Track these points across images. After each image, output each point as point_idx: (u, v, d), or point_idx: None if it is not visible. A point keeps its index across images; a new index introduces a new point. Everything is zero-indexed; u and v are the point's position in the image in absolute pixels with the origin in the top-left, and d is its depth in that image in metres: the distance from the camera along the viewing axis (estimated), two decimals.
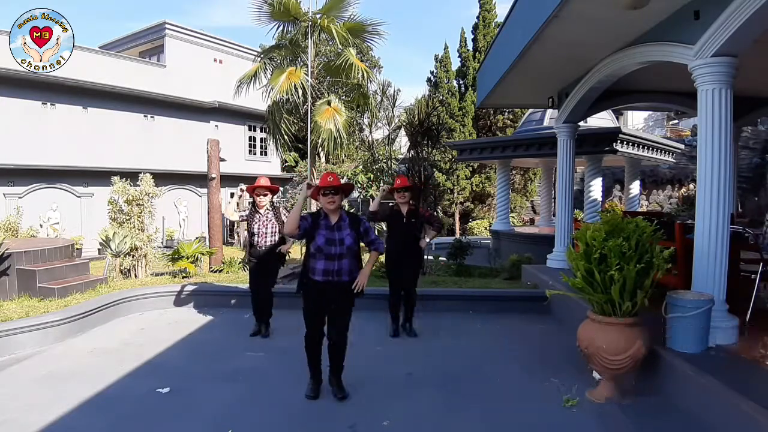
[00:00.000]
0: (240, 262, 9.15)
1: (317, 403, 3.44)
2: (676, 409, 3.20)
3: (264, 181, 5.13)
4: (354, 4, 8.63)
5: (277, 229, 5.11)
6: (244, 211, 5.28)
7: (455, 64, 22.94)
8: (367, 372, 3.61)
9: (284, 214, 5.16)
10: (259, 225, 5.06)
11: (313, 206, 9.62)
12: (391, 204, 5.07)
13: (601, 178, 10.27)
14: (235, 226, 18.58)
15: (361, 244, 3.53)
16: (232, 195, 18.40)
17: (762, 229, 5.33)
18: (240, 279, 7.26)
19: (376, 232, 3.61)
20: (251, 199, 5.27)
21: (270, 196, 5.15)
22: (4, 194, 13.51)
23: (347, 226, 3.40)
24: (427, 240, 5.13)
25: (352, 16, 8.72)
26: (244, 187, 5.36)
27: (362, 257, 3.59)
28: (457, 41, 23.93)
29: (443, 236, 15.09)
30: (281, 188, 20.09)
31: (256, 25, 9.92)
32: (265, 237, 5.06)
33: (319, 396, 3.49)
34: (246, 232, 5.28)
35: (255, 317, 5.21)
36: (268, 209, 5.11)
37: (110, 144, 15.46)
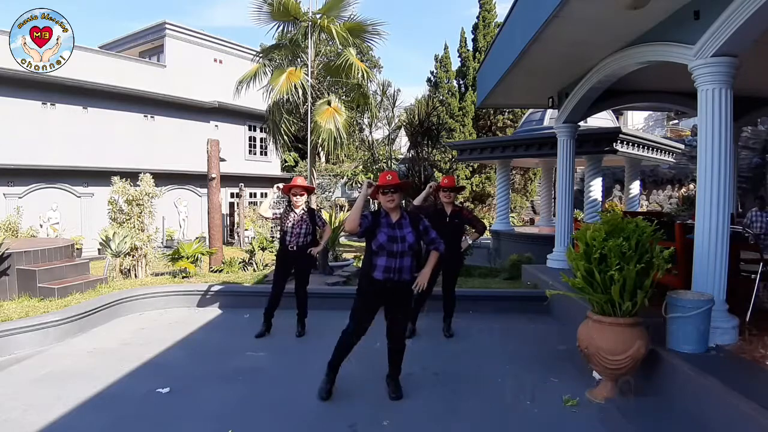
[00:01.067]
0: (240, 262, 9.15)
1: (317, 402, 3.44)
2: (676, 409, 3.20)
3: (301, 182, 5.07)
4: (354, 4, 8.59)
5: (311, 230, 5.05)
6: (279, 209, 5.22)
7: (455, 64, 22.96)
8: (367, 372, 3.61)
9: (319, 216, 5.14)
10: (292, 225, 4.96)
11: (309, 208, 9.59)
12: (436, 203, 5.01)
13: (601, 178, 10.26)
14: (235, 226, 18.60)
15: None
16: (264, 195, 18.37)
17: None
18: (240, 279, 7.26)
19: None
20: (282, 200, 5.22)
21: (306, 196, 5.07)
22: (4, 194, 13.51)
23: (408, 224, 3.42)
24: (469, 242, 5.07)
25: (352, 16, 8.71)
26: (281, 185, 5.34)
27: None
28: (457, 41, 23.98)
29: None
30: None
31: (256, 25, 9.92)
32: (298, 237, 4.96)
33: (332, 398, 3.45)
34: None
35: (264, 317, 5.09)
36: (303, 210, 5.03)
37: (110, 144, 15.48)
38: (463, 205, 21.47)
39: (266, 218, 5.38)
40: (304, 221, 5.00)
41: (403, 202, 3.67)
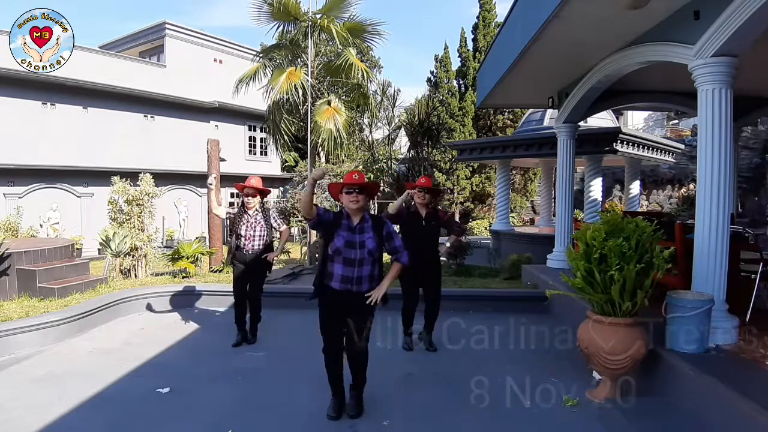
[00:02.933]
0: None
1: (317, 403, 3.43)
2: (676, 409, 3.20)
3: (255, 182, 4.77)
4: (354, 4, 8.63)
5: (266, 233, 4.80)
6: (233, 208, 4.99)
7: (455, 64, 22.94)
8: (367, 372, 3.60)
9: (274, 218, 4.89)
10: (246, 227, 4.73)
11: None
12: (409, 205, 4.74)
13: (601, 178, 10.25)
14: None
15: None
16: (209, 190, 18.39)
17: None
18: None
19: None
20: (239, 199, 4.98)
21: (259, 198, 4.82)
22: (4, 194, 13.51)
23: (370, 228, 3.15)
24: (447, 245, 4.83)
25: (352, 16, 8.73)
26: (215, 176, 5.03)
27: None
28: (457, 41, 23.96)
29: (442, 235, 15.03)
30: (281, 188, 20.07)
31: (256, 25, 9.94)
32: (252, 240, 4.74)
33: (341, 417, 3.23)
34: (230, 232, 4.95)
35: (236, 326, 4.83)
36: (257, 210, 4.78)
37: (110, 144, 15.47)
38: (463, 205, 21.40)
39: (220, 217, 5.19)
40: (258, 222, 4.76)
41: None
